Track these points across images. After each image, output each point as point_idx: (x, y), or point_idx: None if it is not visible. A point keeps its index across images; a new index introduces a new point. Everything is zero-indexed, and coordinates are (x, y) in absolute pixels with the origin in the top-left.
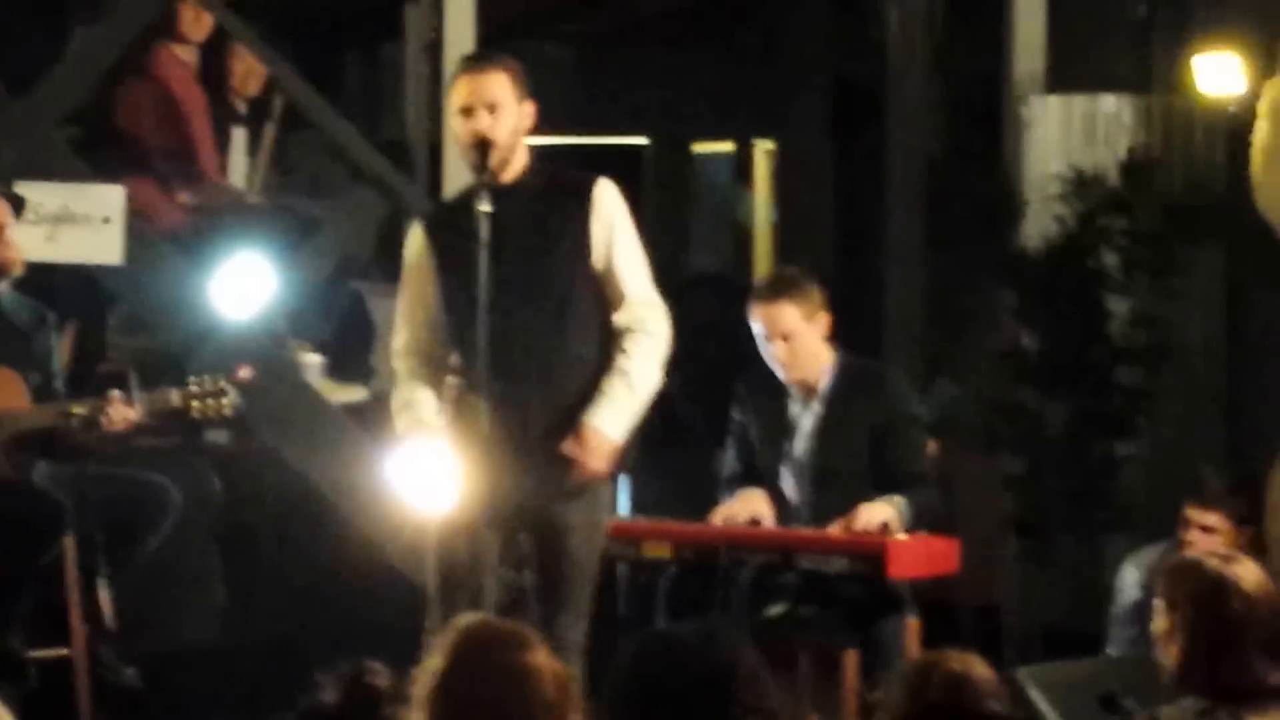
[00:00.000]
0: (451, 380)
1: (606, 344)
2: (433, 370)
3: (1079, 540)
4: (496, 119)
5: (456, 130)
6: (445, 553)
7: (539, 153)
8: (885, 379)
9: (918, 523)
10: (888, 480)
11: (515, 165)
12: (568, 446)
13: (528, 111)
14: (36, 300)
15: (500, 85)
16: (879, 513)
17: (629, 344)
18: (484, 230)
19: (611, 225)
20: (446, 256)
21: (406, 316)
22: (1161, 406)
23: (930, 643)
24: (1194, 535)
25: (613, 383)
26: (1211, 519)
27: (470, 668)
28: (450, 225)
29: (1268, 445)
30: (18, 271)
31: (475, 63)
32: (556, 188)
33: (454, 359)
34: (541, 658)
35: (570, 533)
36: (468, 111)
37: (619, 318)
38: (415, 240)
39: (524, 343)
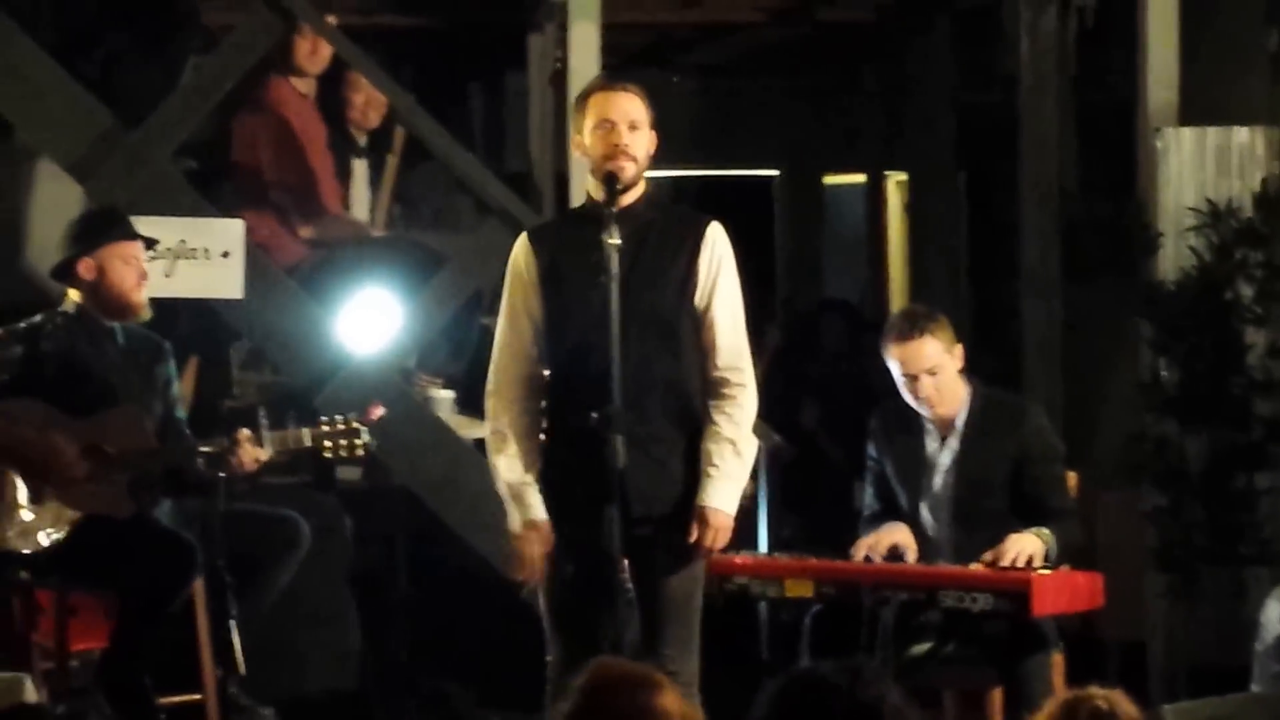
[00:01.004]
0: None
1: (702, 380)
2: (531, 390)
3: (1223, 574)
4: (635, 137)
5: (591, 143)
6: (555, 586)
7: (655, 184)
8: (1024, 412)
9: (1063, 556)
10: (1030, 514)
11: (634, 192)
12: (693, 533)
13: (654, 140)
14: (151, 330)
15: (639, 106)
16: (1027, 545)
17: (730, 407)
18: (614, 264)
19: (718, 268)
20: (552, 274)
21: (509, 331)
22: None
23: (1075, 679)
24: None
25: (723, 454)
26: None
27: (599, 710)
28: (559, 242)
29: None
30: (145, 316)
31: (614, 81)
32: (670, 220)
33: (547, 374)
34: (670, 700)
35: (668, 562)
36: (609, 125)
37: (712, 366)
38: (522, 254)
39: (627, 369)
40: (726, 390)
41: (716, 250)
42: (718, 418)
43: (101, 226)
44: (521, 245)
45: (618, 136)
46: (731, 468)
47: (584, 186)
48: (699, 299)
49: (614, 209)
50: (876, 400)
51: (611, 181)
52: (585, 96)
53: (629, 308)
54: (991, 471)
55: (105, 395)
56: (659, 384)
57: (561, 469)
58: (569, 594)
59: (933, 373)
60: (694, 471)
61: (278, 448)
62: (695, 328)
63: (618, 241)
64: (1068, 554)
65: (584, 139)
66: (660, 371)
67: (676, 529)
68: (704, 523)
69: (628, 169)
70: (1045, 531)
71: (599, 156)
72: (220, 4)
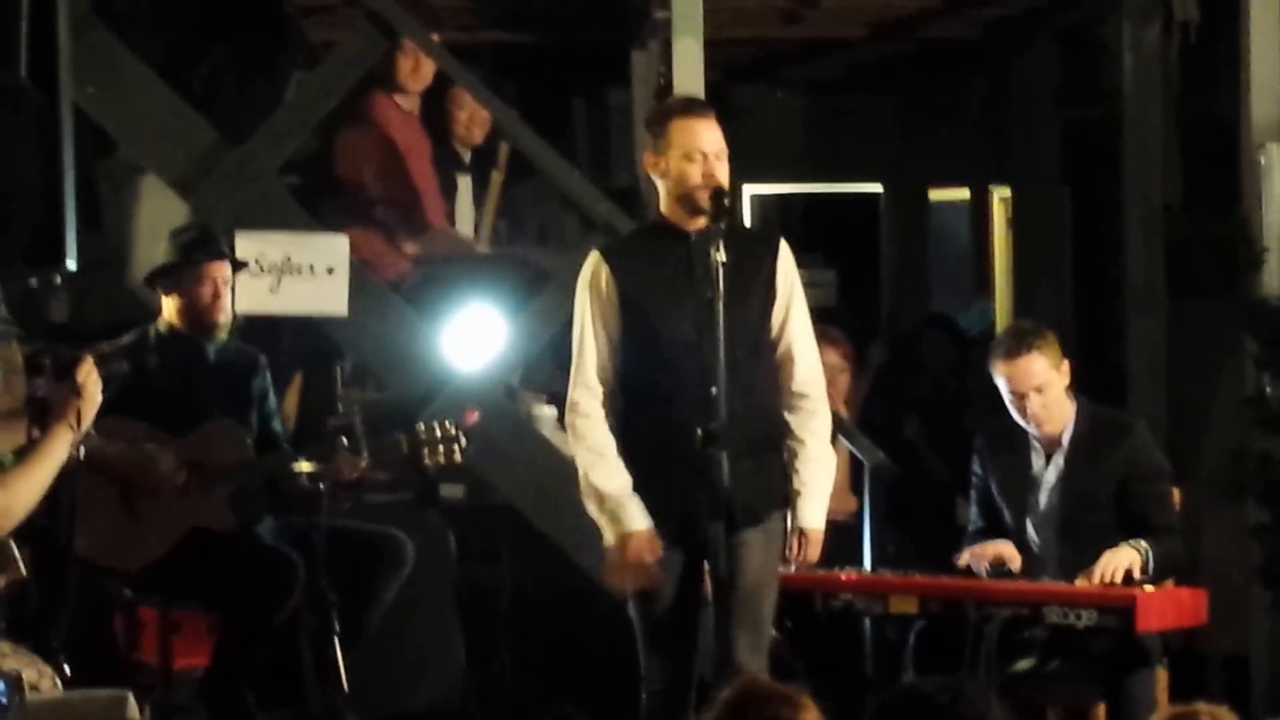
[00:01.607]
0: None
1: (779, 394)
2: (612, 408)
3: None
4: (721, 167)
5: (679, 171)
6: (651, 599)
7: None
8: (1129, 429)
9: (1162, 572)
10: (1134, 531)
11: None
12: (793, 549)
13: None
14: (253, 344)
15: (720, 134)
16: (1123, 558)
17: (814, 423)
18: (721, 281)
19: (792, 285)
20: (635, 293)
21: (591, 350)
22: None
23: (1179, 695)
24: None
25: (813, 473)
26: None
27: None
28: (637, 262)
29: None
30: (224, 335)
31: (704, 108)
32: (744, 239)
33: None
34: (813, 717)
35: (744, 556)
36: (702, 156)
37: (791, 379)
38: (601, 273)
39: (715, 381)
40: (807, 405)
41: (790, 267)
42: (804, 435)
43: (181, 245)
44: (598, 264)
45: (710, 167)
46: (822, 485)
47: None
48: (776, 315)
49: (722, 225)
50: (979, 415)
51: (720, 198)
52: (666, 119)
53: (719, 323)
54: (1097, 489)
55: (202, 410)
56: (746, 399)
57: (657, 484)
58: (666, 607)
59: (1040, 390)
60: (780, 482)
61: (376, 457)
62: (770, 343)
63: (724, 258)
64: (1168, 571)
65: (667, 163)
66: (749, 386)
67: (770, 538)
68: (804, 540)
69: (724, 202)
70: (1142, 543)
71: (693, 185)
72: (324, 20)
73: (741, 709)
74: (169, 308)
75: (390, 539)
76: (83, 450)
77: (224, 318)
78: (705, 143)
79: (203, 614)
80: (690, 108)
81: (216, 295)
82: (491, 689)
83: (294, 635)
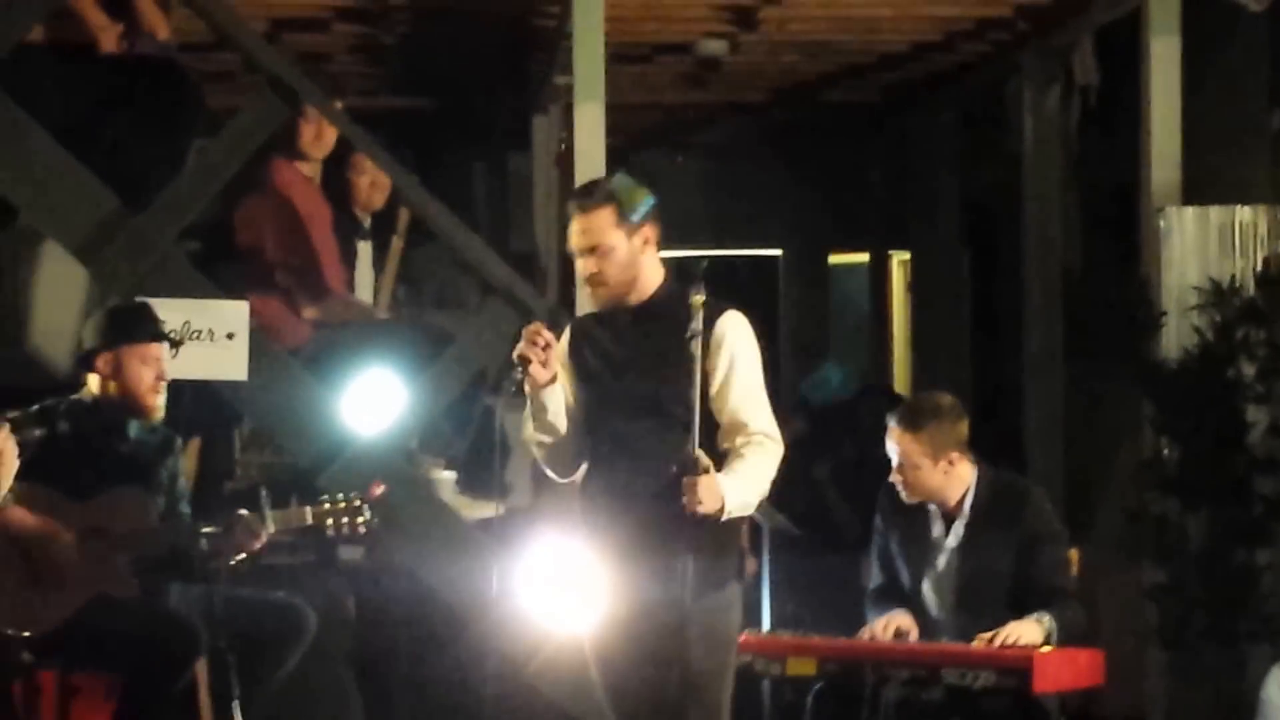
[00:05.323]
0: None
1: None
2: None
3: (1223, 650)
4: (604, 259)
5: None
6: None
7: (675, 272)
8: (1028, 496)
9: (1065, 639)
10: (1031, 597)
11: (643, 288)
12: (687, 482)
13: (643, 237)
14: (164, 425)
15: (603, 225)
16: (1027, 633)
17: (745, 449)
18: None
19: (730, 354)
20: (581, 366)
21: None
22: None
23: None
24: None
25: (734, 465)
26: None
27: None
28: (589, 336)
29: None
30: (156, 418)
31: (579, 200)
32: (681, 312)
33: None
34: None
35: (692, 644)
36: (579, 251)
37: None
38: (561, 344)
39: (638, 457)
40: (745, 443)
41: (726, 338)
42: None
43: (126, 324)
44: (565, 335)
45: (585, 265)
46: (741, 470)
47: None
48: (711, 386)
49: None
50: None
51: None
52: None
53: (639, 399)
54: (996, 557)
55: (110, 481)
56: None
57: None
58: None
59: (916, 466)
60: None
61: (280, 526)
62: (710, 412)
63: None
64: (1070, 637)
65: None
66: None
67: (709, 604)
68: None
69: (599, 293)
70: (1046, 618)
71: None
72: (225, 87)
73: None
74: (100, 383)
75: (291, 608)
76: None
77: (161, 399)
78: (575, 239)
79: (102, 679)
80: (571, 202)
81: (160, 377)
82: None
83: (194, 699)
